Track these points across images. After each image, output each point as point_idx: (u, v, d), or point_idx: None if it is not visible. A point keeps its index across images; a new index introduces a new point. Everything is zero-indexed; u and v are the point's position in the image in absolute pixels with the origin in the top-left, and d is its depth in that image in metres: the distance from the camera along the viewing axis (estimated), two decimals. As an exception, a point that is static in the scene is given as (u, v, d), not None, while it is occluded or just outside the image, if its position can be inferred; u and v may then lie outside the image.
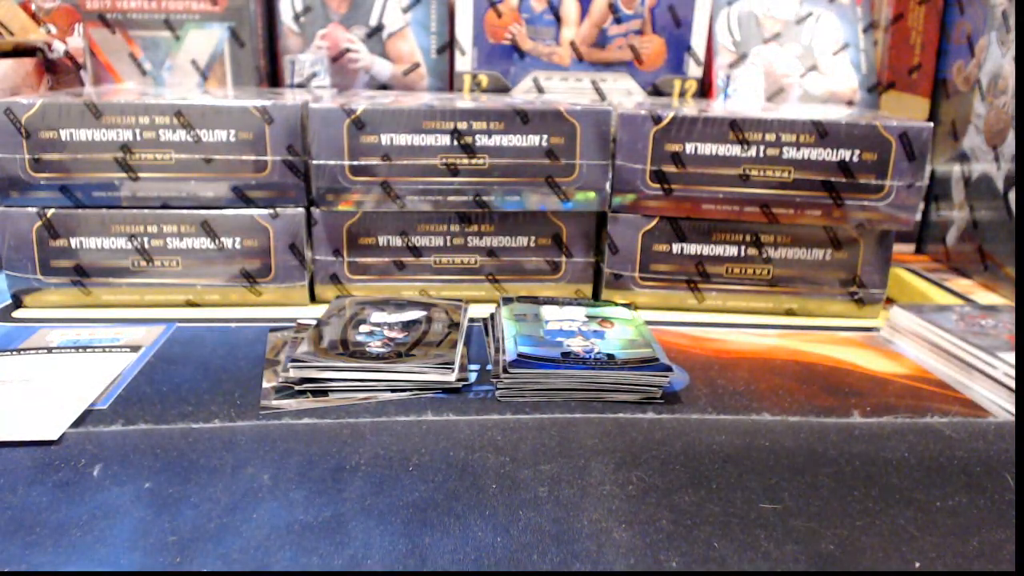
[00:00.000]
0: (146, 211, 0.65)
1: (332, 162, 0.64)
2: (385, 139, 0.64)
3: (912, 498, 0.41)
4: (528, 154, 0.65)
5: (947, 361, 0.57)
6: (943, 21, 0.89)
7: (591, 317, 0.59)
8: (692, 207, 0.66)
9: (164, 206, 0.65)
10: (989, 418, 0.50)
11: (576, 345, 0.53)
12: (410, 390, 0.51)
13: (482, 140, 0.64)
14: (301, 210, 0.66)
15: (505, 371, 0.50)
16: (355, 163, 0.64)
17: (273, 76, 0.87)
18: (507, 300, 0.62)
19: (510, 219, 0.68)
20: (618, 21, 0.84)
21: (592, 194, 0.66)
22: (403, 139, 0.64)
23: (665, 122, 0.64)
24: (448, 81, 0.86)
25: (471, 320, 0.63)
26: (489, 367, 0.55)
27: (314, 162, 0.64)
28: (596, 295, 0.71)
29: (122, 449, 0.43)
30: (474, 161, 0.65)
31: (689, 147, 0.64)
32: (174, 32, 0.83)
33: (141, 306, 0.66)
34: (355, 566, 0.35)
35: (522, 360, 0.50)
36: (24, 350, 0.56)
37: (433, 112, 0.64)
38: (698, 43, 0.84)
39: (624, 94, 0.85)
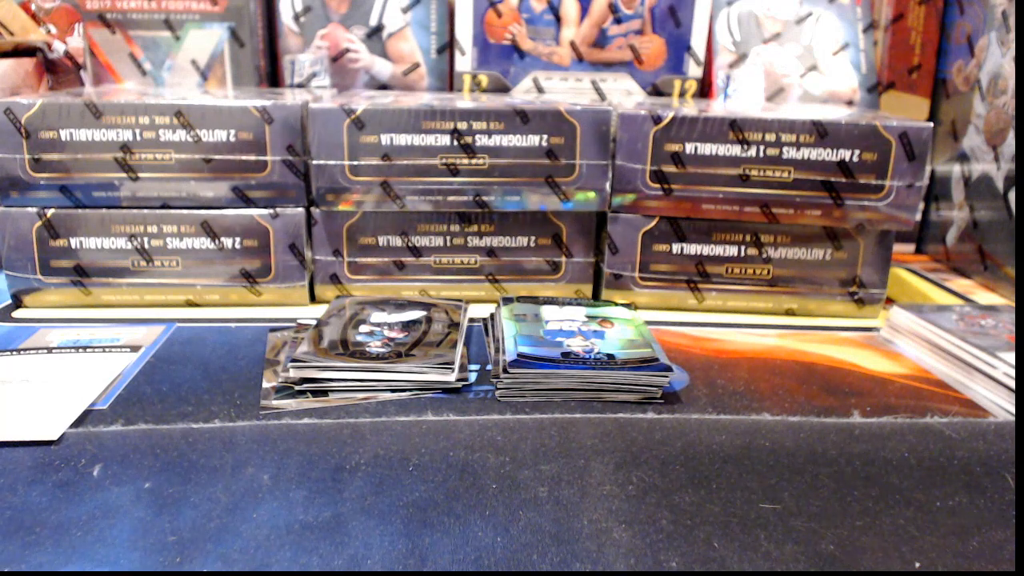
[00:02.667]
0: (146, 211, 0.65)
1: (332, 162, 0.64)
2: (385, 139, 0.64)
3: (912, 498, 0.41)
4: (528, 154, 0.65)
5: (947, 361, 0.57)
6: (943, 21, 0.89)
7: (591, 317, 0.59)
8: (692, 207, 0.66)
9: (164, 206, 0.65)
10: (989, 418, 0.50)
11: (576, 345, 0.53)
12: (410, 390, 0.51)
13: (482, 140, 0.64)
14: (301, 210, 0.66)
15: (505, 371, 0.50)
16: (355, 163, 0.64)
17: (273, 76, 0.87)
18: (507, 300, 0.62)
19: (510, 219, 0.68)
20: (618, 21, 0.84)
21: (592, 194, 0.66)
22: (403, 139, 0.64)
23: (665, 122, 0.64)
24: (448, 81, 0.86)
25: (471, 320, 0.63)
26: (489, 367, 0.55)
27: (314, 162, 0.64)
28: (596, 295, 0.71)
29: (122, 449, 0.43)
30: (474, 161, 0.65)
31: (689, 147, 0.64)
32: (174, 32, 0.83)
33: (141, 306, 0.66)
34: (355, 566, 0.35)
35: (522, 360, 0.50)
36: (24, 350, 0.56)
37: (433, 112, 0.64)
38: (698, 43, 0.84)
39: (624, 94, 0.85)
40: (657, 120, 0.64)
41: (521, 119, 0.64)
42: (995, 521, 0.39)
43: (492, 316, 0.62)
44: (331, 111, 0.63)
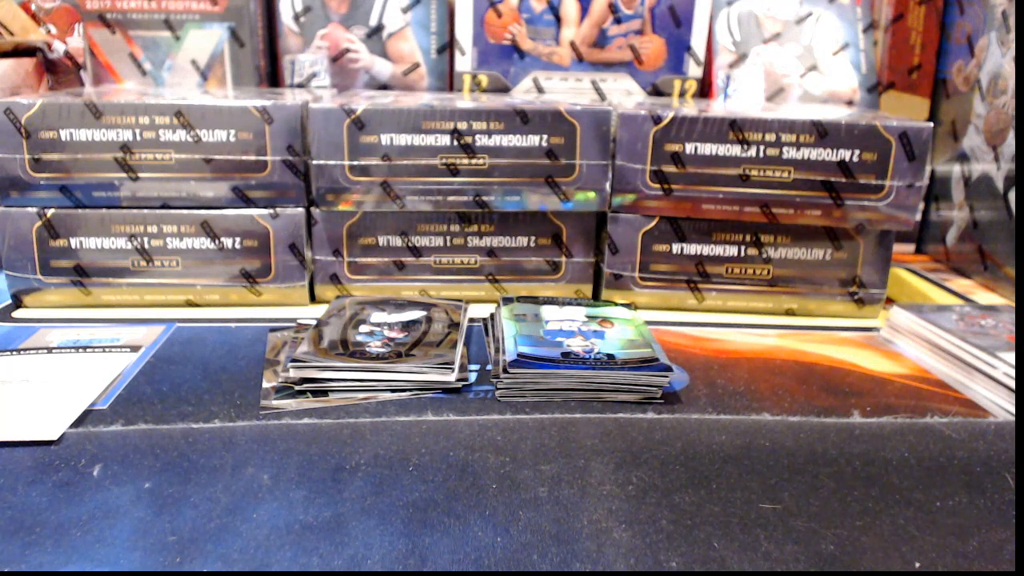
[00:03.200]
0: (146, 211, 0.65)
1: (332, 162, 0.64)
2: (385, 139, 0.64)
3: (912, 498, 0.41)
4: (528, 154, 0.65)
5: (947, 361, 0.57)
6: (943, 21, 0.89)
7: (591, 317, 0.59)
8: (692, 207, 0.66)
9: (164, 206, 0.65)
10: (989, 418, 0.50)
11: (576, 345, 0.53)
12: (410, 390, 0.51)
13: (482, 140, 0.64)
14: (301, 210, 0.66)
15: (505, 371, 0.50)
16: (355, 163, 0.64)
17: (273, 76, 0.87)
18: (507, 300, 0.62)
19: (510, 219, 0.68)
20: (618, 21, 0.84)
21: (592, 194, 0.66)
22: (403, 139, 0.64)
23: (665, 122, 0.64)
24: (448, 81, 0.86)
25: (471, 320, 0.63)
26: (489, 367, 0.55)
27: (314, 162, 0.64)
28: (596, 295, 0.71)
29: (122, 449, 0.43)
30: (474, 161, 0.65)
31: (689, 147, 0.64)
32: (174, 32, 0.83)
33: (141, 306, 0.66)
34: (355, 566, 0.35)
35: (522, 360, 0.50)
36: (24, 350, 0.56)
37: (433, 112, 0.64)
38: (698, 43, 0.84)
39: (624, 94, 0.85)
40: (657, 120, 0.64)
41: (521, 119, 0.64)
42: (995, 521, 0.39)
43: (492, 316, 0.62)
44: (331, 111, 0.63)
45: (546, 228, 0.68)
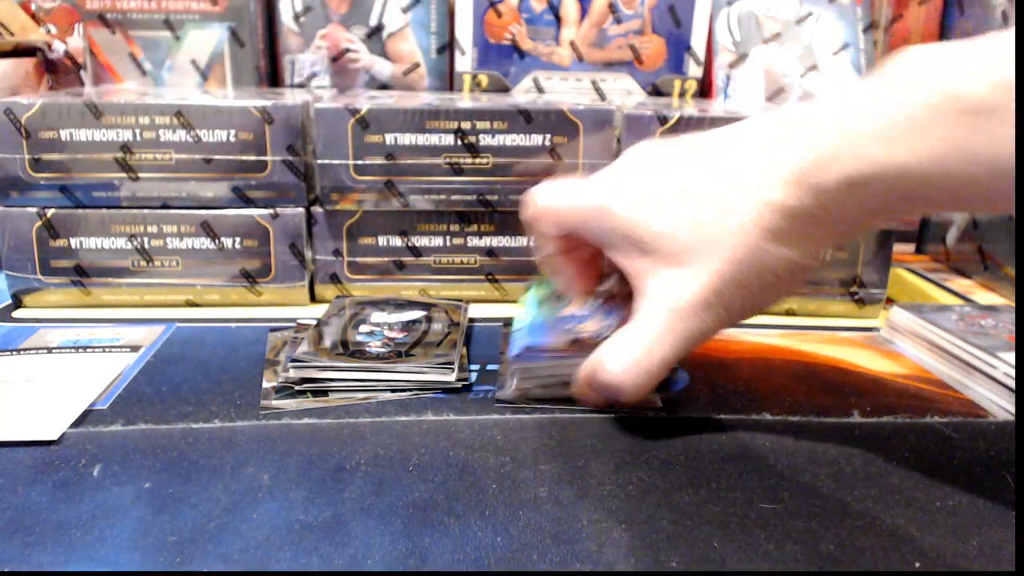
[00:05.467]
0: (146, 211, 0.65)
1: (337, 161, 0.64)
2: (389, 139, 0.64)
3: (912, 498, 0.41)
4: (531, 154, 0.65)
5: (947, 361, 0.57)
6: (943, 21, 0.89)
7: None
8: (692, 207, 0.66)
9: (164, 206, 0.65)
10: (989, 418, 0.50)
11: (588, 330, 0.53)
12: (410, 390, 0.51)
13: (485, 140, 0.64)
14: (301, 210, 0.66)
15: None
16: (359, 162, 0.64)
17: (273, 76, 0.87)
18: (537, 284, 0.61)
19: (510, 218, 0.68)
20: (618, 21, 0.84)
21: (592, 194, 0.66)
22: (407, 139, 0.64)
23: (672, 123, 0.64)
24: (448, 81, 0.86)
25: (471, 320, 0.63)
26: (489, 367, 0.55)
27: (319, 162, 0.64)
28: (596, 295, 0.70)
29: (122, 449, 0.43)
30: (478, 160, 0.65)
31: (689, 147, 0.64)
32: (174, 32, 0.83)
33: (141, 306, 0.66)
34: (355, 566, 0.35)
35: (524, 357, 0.50)
36: (24, 350, 0.56)
37: (437, 112, 0.64)
38: (698, 43, 0.84)
39: (624, 94, 0.85)
40: (663, 120, 0.64)
41: (524, 119, 0.64)
42: (995, 521, 0.39)
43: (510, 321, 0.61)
44: (336, 111, 0.63)
45: (546, 228, 0.68)
